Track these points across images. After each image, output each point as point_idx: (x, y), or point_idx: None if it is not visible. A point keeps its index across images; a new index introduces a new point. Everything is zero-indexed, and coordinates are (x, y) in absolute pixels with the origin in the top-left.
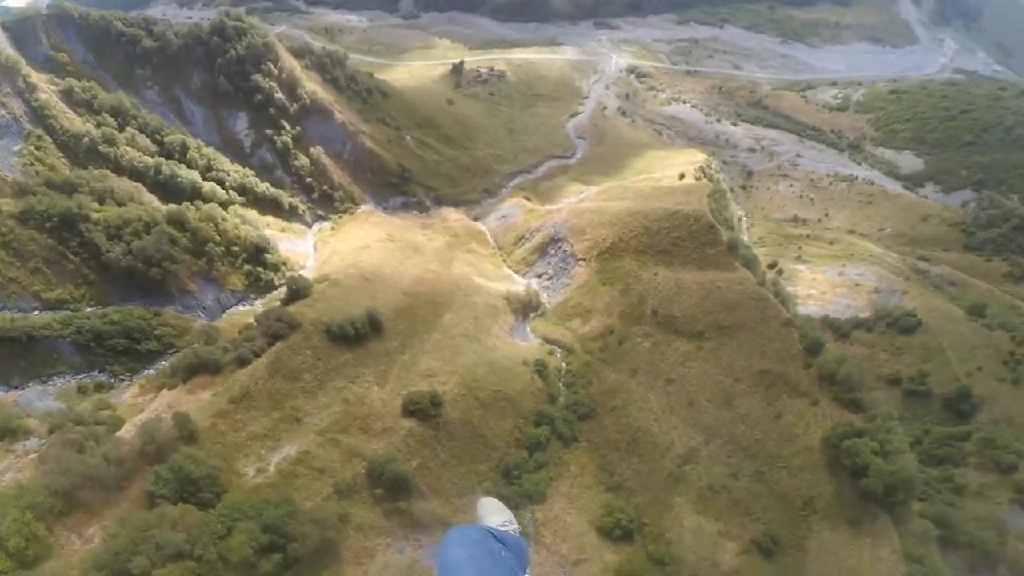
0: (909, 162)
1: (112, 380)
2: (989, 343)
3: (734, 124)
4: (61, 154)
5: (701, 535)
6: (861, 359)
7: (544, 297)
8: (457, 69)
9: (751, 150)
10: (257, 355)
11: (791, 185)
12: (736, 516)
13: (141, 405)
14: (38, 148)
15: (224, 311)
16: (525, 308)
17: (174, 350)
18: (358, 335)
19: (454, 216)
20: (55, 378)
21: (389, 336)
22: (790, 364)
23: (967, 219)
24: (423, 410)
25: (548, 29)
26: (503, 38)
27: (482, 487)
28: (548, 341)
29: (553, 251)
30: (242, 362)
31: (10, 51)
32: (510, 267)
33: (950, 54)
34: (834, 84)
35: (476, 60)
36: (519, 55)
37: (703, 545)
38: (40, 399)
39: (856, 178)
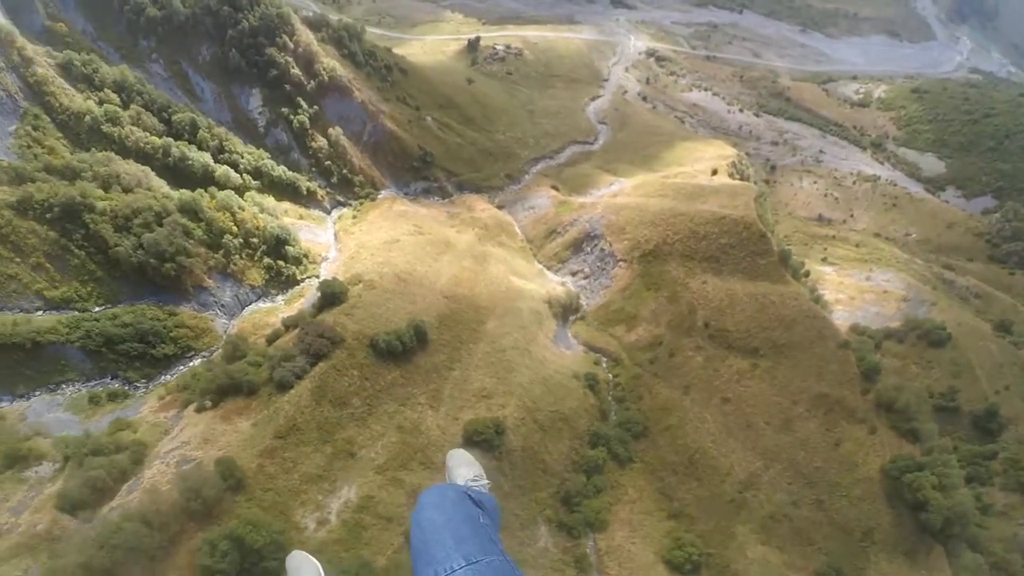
0: (931, 164)
1: (127, 388)
2: (1016, 361)
3: (756, 115)
4: (61, 135)
5: (767, 567)
6: (901, 375)
7: (582, 299)
8: (472, 45)
9: (774, 143)
10: (299, 377)
11: (815, 182)
12: (799, 546)
13: (164, 425)
14: (35, 128)
15: (243, 308)
16: (565, 311)
17: (193, 354)
18: (405, 349)
19: (480, 205)
20: (64, 386)
21: (435, 348)
22: (848, 389)
23: (991, 230)
24: (487, 440)
25: (564, 6)
26: (518, 14)
27: (543, 516)
28: (592, 349)
29: (589, 248)
30: (282, 386)
31: (2, 20)
32: (541, 262)
33: (966, 52)
34: (855, 78)
35: (491, 36)
36: (535, 32)
37: None
38: (49, 410)
39: (879, 178)
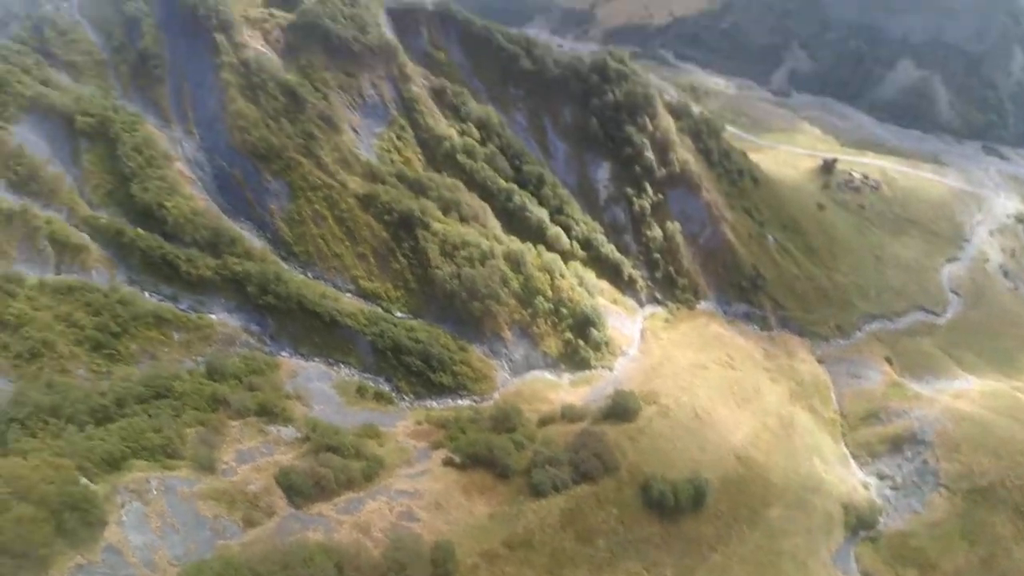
0: None
1: (394, 394)
2: None
3: None
4: (419, 150)
5: None
6: None
7: (882, 515)
8: (828, 167)
9: None
10: (556, 489)
11: None
12: None
13: (408, 453)
14: (399, 138)
15: (528, 371)
16: (858, 524)
17: (465, 393)
18: (676, 506)
19: (802, 354)
20: (341, 365)
21: (706, 517)
22: None
23: None
24: None
25: (930, 142)
26: (880, 141)
27: None
28: None
29: (910, 454)
30: (536, 491)
31: (390, 36)
32: (849, 447)
33: None
34: None
35: (847, 160)
36: (895, 165)
37: None
38: (319, 379)
39: None
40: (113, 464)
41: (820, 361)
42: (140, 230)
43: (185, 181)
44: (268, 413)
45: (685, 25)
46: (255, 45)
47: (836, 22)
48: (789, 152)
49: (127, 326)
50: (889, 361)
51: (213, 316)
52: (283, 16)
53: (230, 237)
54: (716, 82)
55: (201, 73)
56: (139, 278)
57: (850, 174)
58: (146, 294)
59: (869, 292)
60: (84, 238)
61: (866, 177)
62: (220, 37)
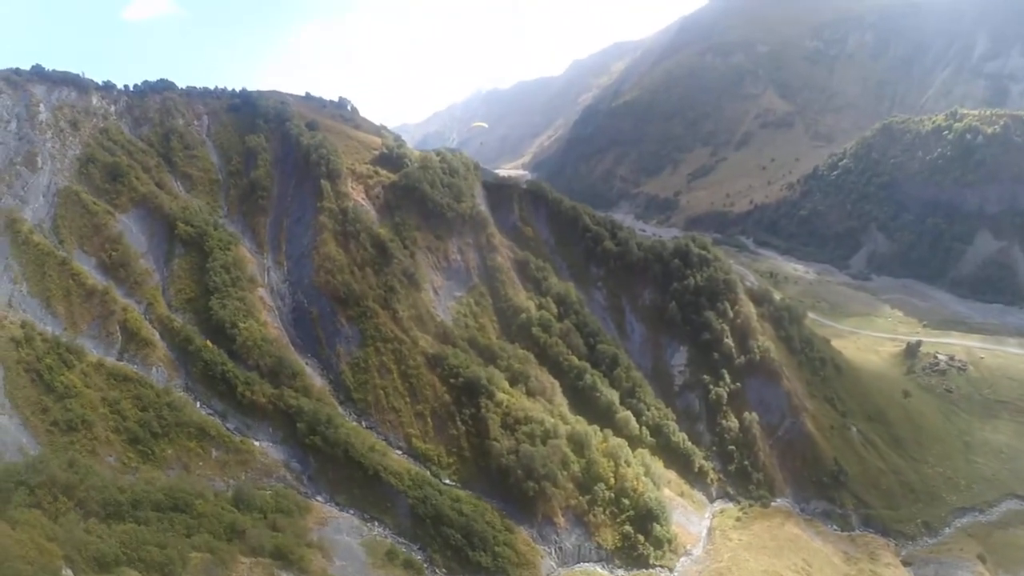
0: None
1: (425, 565)
2: None
3: None
4: (495, 319)
5: None
6: None
7: None
8: (912, 351)
9: None
10: None
11: None
12: None
13: None
14: (477, 304)
15: (577, 563)
16: None
17: None
18: None
19: (886, 557)
20: (376, 524)
21: None
22: None
23: None
24: None
25: (1014, 314)
26: (963, 319)
27: None
28: None
29: None
30: None
31: (483, 207)
32: None
33: None
34: None
35: (931, 342)
36: (981, 344)
37: None
38: (348, 533)
39: None
40: (103, 566)
41: (906, 563)
42: (209, 343)
43: (263, 307)
44: (283, 558)
45: (765, 212)
46: (356, 197)
47: (912, 202)
48: (870, 337)
49: (169, 430)
50: (982, 559)
51: (256, 443)
52: (387, 175)
53: (293, 370)
54: (795, 268)
55: (301, 212)
56: (195, 387)
57: (935, 356)
58: (198, 404)
59: (959, 483)
60: (154, 335)
61: (952, 358)
62: (326, 184)
